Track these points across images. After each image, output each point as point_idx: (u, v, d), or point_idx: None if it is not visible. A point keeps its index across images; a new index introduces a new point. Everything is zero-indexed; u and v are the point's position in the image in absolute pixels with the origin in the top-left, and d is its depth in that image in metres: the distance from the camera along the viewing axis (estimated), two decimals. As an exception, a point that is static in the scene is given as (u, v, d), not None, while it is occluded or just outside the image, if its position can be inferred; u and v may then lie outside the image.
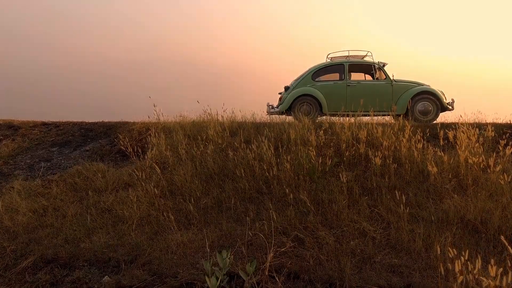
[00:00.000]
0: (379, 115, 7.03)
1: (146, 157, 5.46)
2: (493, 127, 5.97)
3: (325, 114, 7.25)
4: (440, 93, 6.97)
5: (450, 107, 7.01)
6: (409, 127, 5.36)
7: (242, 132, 6.20)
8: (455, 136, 5.12)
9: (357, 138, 5.41)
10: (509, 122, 6.43)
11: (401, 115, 7.11)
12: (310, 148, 4.78)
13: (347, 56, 7.61)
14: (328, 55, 7.87)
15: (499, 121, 6.58)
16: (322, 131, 5.39)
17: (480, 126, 6.06)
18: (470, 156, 4.43)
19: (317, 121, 7.21)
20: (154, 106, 7.46)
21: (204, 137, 5.83)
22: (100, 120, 8.26)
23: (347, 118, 6.29)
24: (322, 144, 5.26)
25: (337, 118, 7.34)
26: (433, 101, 6.87)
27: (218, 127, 5.98)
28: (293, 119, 7.26)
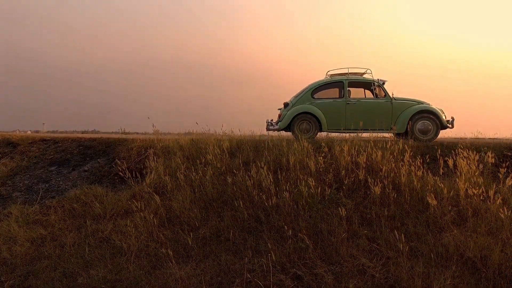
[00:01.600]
0: (378, 133, 7.01)
1: (144, 182, 5.43)
2: (493, 150, 5.98)
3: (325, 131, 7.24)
4: (440, 112, 6.94)
5: (450, 126, 6.98)
6: (408, 152, 5.34)
7: (241, 153, 6.19)
8: (455, 164, 5.08)
9: (356, 163, 5.38)
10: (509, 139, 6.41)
11: (401, 134, 7.09)
12: (310, 179, 4.74)
13: (347, 73, 7.58)
14: (327, 72, 7.85)
15: (501, 129, 6.55)
16: (321, 157, 5.36)
17: (480, 148, 6.05)
18: (470, 187, 4.41)
19: (316, 137, 7.20)
20: (153, 125, 7.47)
21: (203, 160, 5.80)
22: (99, 132, 8.25)
23: (347, 137, 6.27)
24: (321, 170, 5.24)
25: (337, 134, 7.36)
26: (433, 120, 6.84)
27: (217, 149, 5.95)
28: (292, 137, 7.25)
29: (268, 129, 7.79)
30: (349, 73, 7.60)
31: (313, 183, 4.68)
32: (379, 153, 5.38)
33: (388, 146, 5.55)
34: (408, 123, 6.87)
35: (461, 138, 11.50)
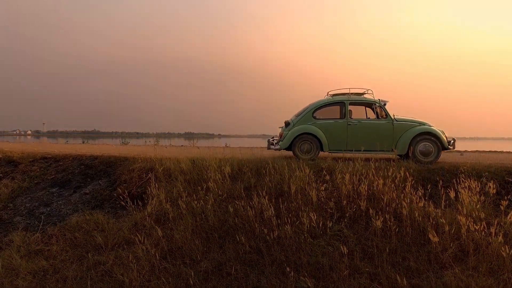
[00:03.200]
0: (381, 154, 7.01)
1: (146, 211, 5.43)
2: (494, 175, 5.99)
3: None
4: (441, 133, 6.94)
5: (451, 147, 6.98)
6: (410, 180, 5.34)
7: (242, 177, 6.19)
8: (456, 195, 5.08)
9: (358, 192, 5.38)
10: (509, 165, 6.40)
11: (403, 155, 7.09)
12: (312, 213, 4.75)
13: (348, 93, 7.58)
14: (328, 92, 7.85)
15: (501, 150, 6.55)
16: (322, 187, 5.37)
17: (481, 172, 6.06)
18: (472, 222, 4.41)
19: (319, 155, 7.20)
20: (154, 145, 7.47)
21: (205, 186, 5.80)
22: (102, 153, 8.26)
23: (347, 156, 6.27)
24: (322, 199, 5.24)
25: (339, 154, 7.36)
26: (434, 142, 6.84)
27: (218, 175, 5.95)
28: (293, 156, 7.26)
29: (269, 148, 7.81)
30: (350, 93, 7.60)
31: (315, 217, 4.68)
32: (381, 181, 5.39)
33: (389, 174, 5.56)
34: (410, 145, 6.88)
35: (465, 151, 11.55)
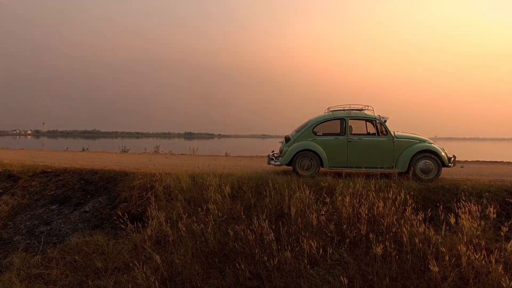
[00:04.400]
0: (379, 171, 7.00)
1: (146, 235, 5.42)
2: (494, 195, 5.98)
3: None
4: (441, 151, 6.93)
5: (451, 164, 6.96)
6: (410, 203, 5.34)
7: (242, 197, 6.19)
8: (456, 220, 5.07)
9: (358, 214, 5.38)
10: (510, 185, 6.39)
11: (403, 172, 7.07)
12: (312, 241, 4.74)
13: (348, 109, 7.56)
14: (328, 108, 7.84)
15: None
16: (323, 210, 5.36)
17: (481, 193, 6.05)
18: (472, 251, 4.40)
19: (318, 173, 7.18)
20: (155, 165, 7.46)
21: (205, 207, 5.80)
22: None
23: (347, 171, 6.27)
24: (323, 222, 5.23)
25: (339, 170, 7.34)
26: (434, 159, 6.82)
27: (218, 196, 5.95)
28: (293, 170, 7.24)
29: (269, 163, 7.79)
30: (351, 109, 7.59)
31: (315, 244, 4.67)
32: (381, 203, 5.38)
33: (389, 195, 5.55)
34: (410, 162, 6.86)
35: (465, 162, 11.52)
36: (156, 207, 5.84)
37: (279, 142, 8.14)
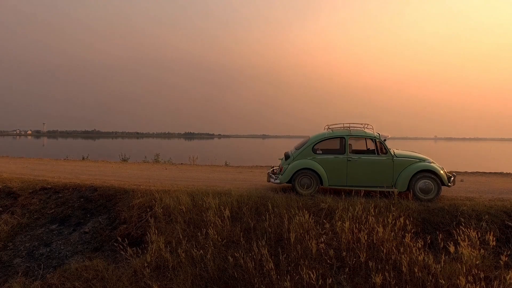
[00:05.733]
0: (379, 190, 7.00)
1: (145, 261, 5.42)
2: (494, 218, 5.98)
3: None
4: (441, 170, 6.93)
5: (451, 184, 6.96)
6: (409, 229, 5.34)
7: (241, 219, 6.19)
8: (456, 247, 5.08)
9: (358, 239, 5.38)
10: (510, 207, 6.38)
11: (403, 190, 7.07)
12: (311, 271, 4.74)
13: (348, 127, 7.56)
14: (328, 126, 7.84)
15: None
16: (322, 238, 5.36)
17: (481, 215, 6.05)
18: (471, 283, 4.40)
19: (318, 191, 7.17)
20: (154, 185, 7.45)
21: (204, 232, 5.80)
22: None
23: (348, 202, 6.27)
24: (322, 250, 5.23)
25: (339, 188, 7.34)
26: (434, 179, 6.82)
27: (218, 220, 5.95)
28: (291, 186, 7.24)
29: (269, 181, 7.79)
30: (351, 127, 7.59)
31: (314, 275, 4.67)
32: (380, 229, 5.39)
33: (389, 220, 5.56)
34: (410, 182, 6.87)
35: (465, 173, 11.54)
36: (156, 232, 5.84)
37: (279, 159, 8.15)
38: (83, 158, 16.13)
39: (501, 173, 11.62)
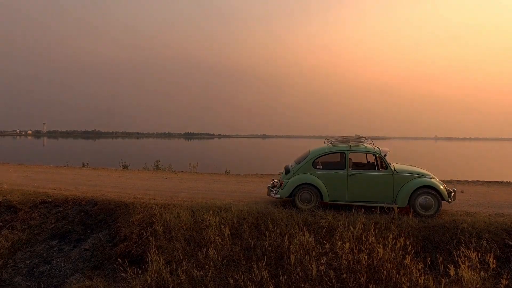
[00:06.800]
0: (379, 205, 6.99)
1: (146, 283, 5.42)
2: (494, 236, 5.98)
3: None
4: (440, 185, 6.92)
5: (451, 200, 6.95)
6: (410, 250, 5.34)
7: (242, 235, 6.19)
8: (456, 269, 5.08)
9: (358, 260, 5.38)
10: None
11: (403, 206, 7.07)
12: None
13: (349, 142, 7.56)
14: (328, 140, 7.84)
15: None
16: (323, 260, 5.36)
17: (481, 233, 6.05)
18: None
19: (318, 208, 7.16)
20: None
21: (205, 251, 5.80)
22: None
23: (349, 220, 6.28)
24: (323, 272, 5.23)
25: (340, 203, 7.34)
26: (434, 195, 6.82)
27: (218, 239, 5.95)
28: (294, 208, 7.23)
29: (269, 195, 7.79)
30: (351, 141, 7.59)
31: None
32: (381, 250, 5.39)
33: (389, 240, 5.56)
34: (410, 198, 6.86)
35: (465, 182, 11.54)
36: (156, 252, 5.84)
37: (279, 173, 8.15)
38: (83, 165, 16.13)
39: (501, 182, 11.62)
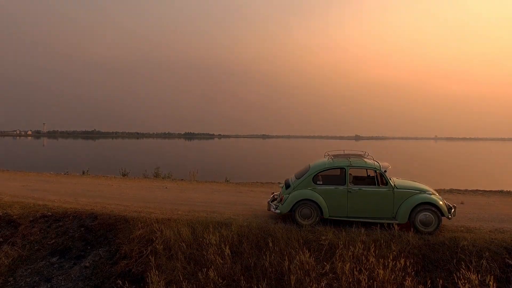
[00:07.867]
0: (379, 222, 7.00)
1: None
2: (494, 255, 5.99)
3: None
4: (440, 202, 6.92)
5: (451, 216, 6.95)
6: (410, 272, 5.35)
7: (242, 253, 6.19)
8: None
9: (358, 281, 5.39)
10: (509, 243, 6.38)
11: (403, 222, 7.07)
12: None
13: (349, 157, 7.56)
14: (328, 154, 7.84)
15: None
16: (323, 283, 5.37)
17: (481, 252, 6.06)
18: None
19: (318, 223, 7.16)
20: (155, 212, 7.45)
21: (205, 271, 5.81)
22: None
23: (349, 238, 6.28)
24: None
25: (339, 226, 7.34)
26: (434, 212, 6.82)
27: (218, 258, 5.95)
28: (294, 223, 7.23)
29: (269, 210, 7.80)
30: (351, 156, 7.60)
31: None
32: (381, 271, 5.39)
33: (389, 260, 5.56)
34: (410, 214, 6.86)
35: (465, 191, 11.55)
36: (156, 272, 5.84)
37: (280, 186, 8.15)
38: (83, 173, 16.12)
39: (501, 192, 11.62)
